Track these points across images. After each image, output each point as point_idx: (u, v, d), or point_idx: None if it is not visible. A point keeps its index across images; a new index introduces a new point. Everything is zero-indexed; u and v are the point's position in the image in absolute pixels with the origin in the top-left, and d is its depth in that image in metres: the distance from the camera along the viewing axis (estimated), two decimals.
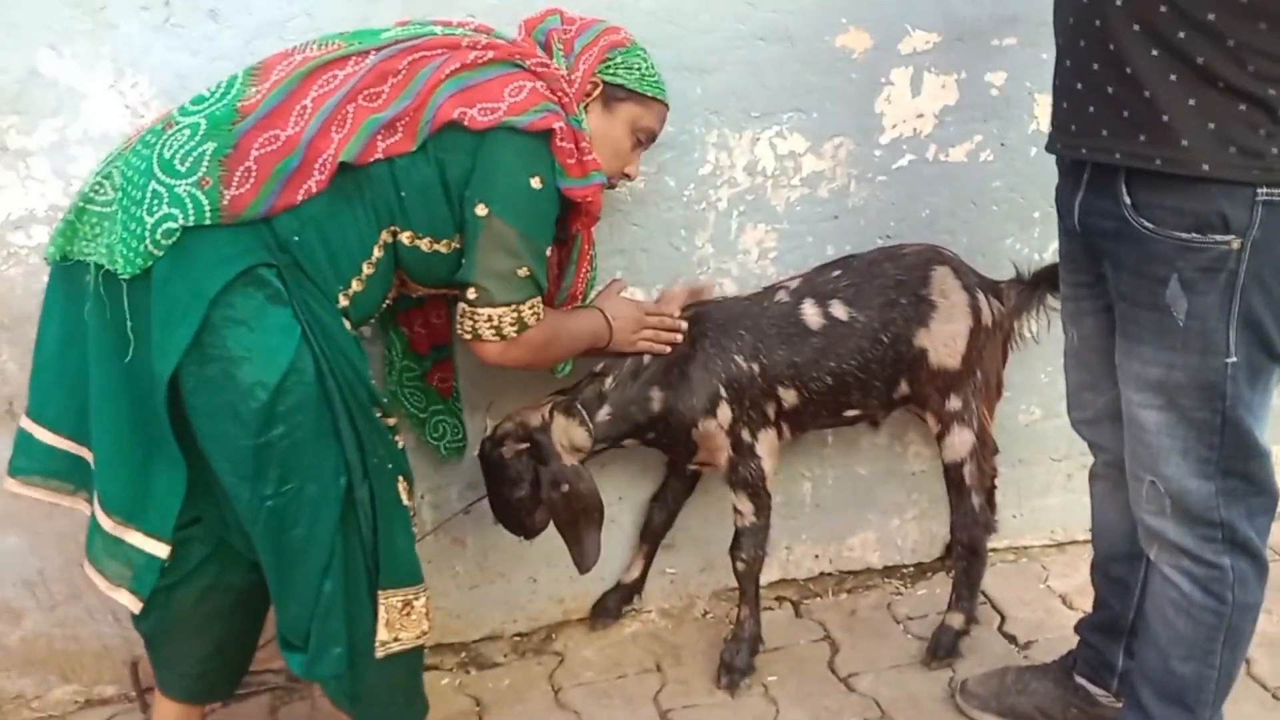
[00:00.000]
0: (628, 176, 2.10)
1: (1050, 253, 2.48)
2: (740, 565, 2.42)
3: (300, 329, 1.69)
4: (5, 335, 2.08)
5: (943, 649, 2.51)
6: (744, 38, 2.32)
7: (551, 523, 2.27)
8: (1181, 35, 1.56)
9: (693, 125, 2.35)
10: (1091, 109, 1.71)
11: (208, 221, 1.64)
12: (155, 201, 1.64)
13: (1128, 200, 1.69)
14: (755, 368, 2.28)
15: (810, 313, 2.31)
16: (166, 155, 1.66)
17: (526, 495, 2.23)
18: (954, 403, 2.40)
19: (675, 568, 2.73)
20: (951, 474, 2.46)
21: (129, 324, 1.66)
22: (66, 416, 1.77)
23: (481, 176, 1.80)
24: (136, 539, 1.74)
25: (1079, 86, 1.72)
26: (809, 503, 2.78)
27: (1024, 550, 2.96)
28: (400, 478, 1.86)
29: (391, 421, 1.87)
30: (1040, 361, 2.70)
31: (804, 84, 2.39)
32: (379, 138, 1.73)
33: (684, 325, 2.27)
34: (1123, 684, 2.13)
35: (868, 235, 2.53)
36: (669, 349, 2.26)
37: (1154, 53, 1.59)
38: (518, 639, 2.64)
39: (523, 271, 1.85)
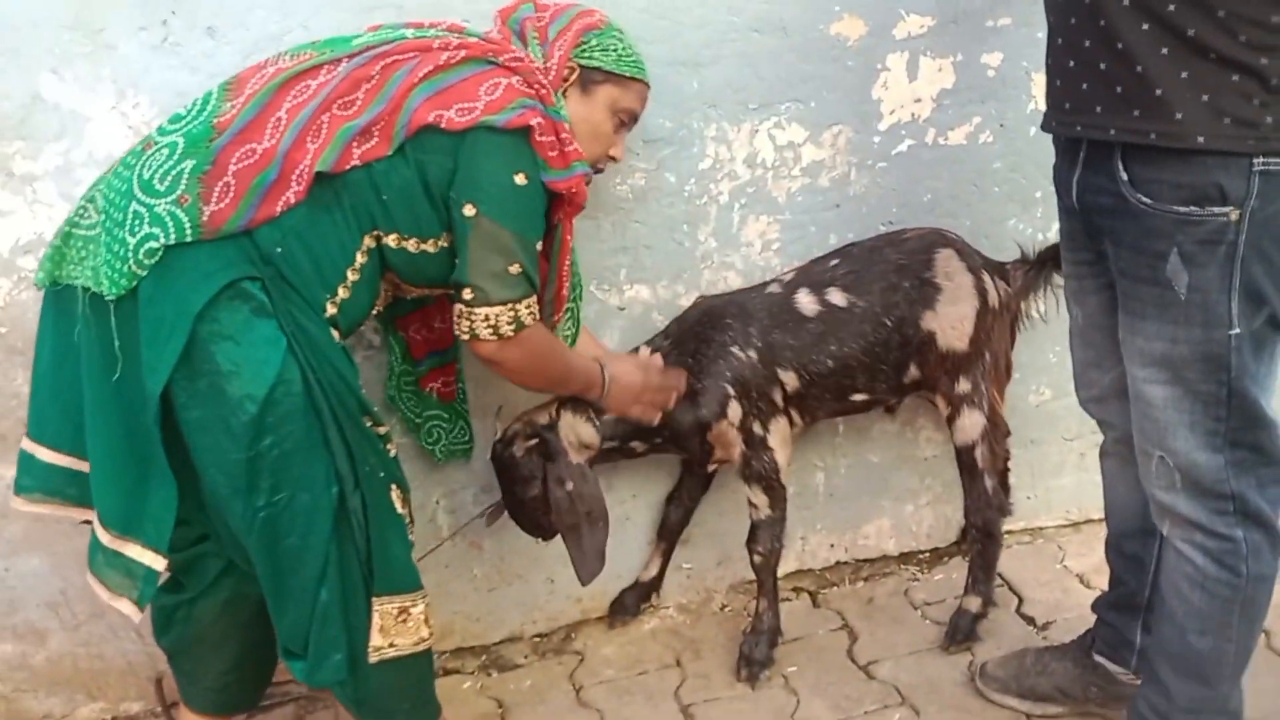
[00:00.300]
0: (613, 159, 2.09)
1: (1054, 232, 2.47)
2: (757, 558, 2.42)
3: (285, 341, 1.71)
4: (19, 359, 2.10)
5: (961, 633, 2.52)
6: (738, 30, 2.32)
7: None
8: (1171, 8, 1.56)
9: (691, 120, 2.36)
10: (1085, 86, 1.71)
11: (189, 239, 1.66)
12: (137, 222, 1.66)
13: (1124, 176, 1.69)
14: (753, 354, 2.29)
15: (805, 301, 2.33)
16: (146, 175, 1.68)
17: (539, 494, 2.24)
18: (963, 385, 2.40)
19: (692, 562, 2.74)
20: (963, 457, 2.46)
21: (116, 344, 1.68)
22: (64, 434, 1.79)
23: (465, 177, 1.80)
24: (134, 551, 1.76)
25: (1071, 64, 1.72)
26: (823, 492, 2.78)
27: (1039, 531, 2.96)
28: (393, 486, 1.88)
29: (383, 430, 1.88)
30: (1049, 342, 2.70)
31: (800, 74, 2.40)
32: (354, 144, 1.74)
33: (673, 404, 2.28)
34: (1141, 661, 2.12)
35: (870, 222, 2.54)
36: (655, 422, 2.28)
37: (1145, 26, 1.59)
38: (537, 640, 2.65)
39: (515, 269, 1.85)
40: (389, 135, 1.76)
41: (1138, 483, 1.91)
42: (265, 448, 1.69)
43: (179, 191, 1.67)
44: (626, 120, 2.05)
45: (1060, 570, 2.80)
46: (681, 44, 2.29)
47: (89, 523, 1.82)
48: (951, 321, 2.35)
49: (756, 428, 2.32)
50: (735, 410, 2.30)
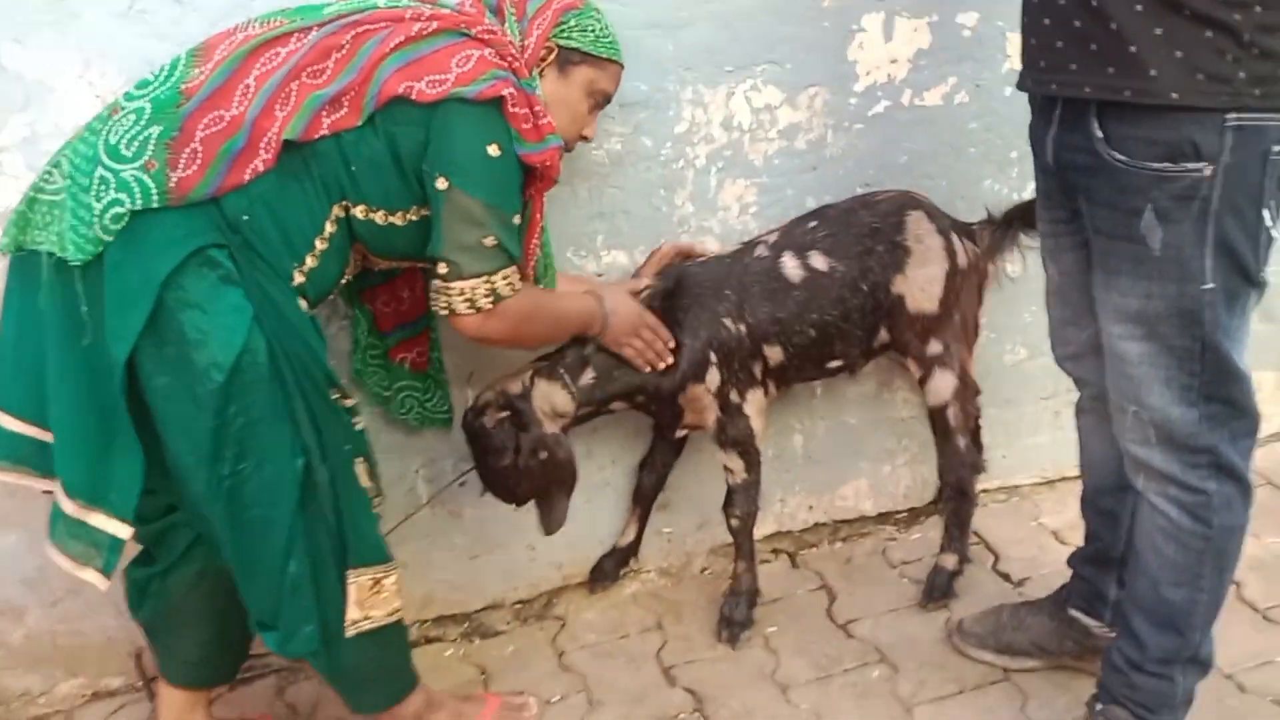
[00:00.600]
0: (585, 138, 2.08)
1: (1029, 191, 2.48)
2: (734, 522, 2.44)
3: (252, 309, 1.69)
4: None
5: (938, 590, 2.55)
6: None
7: None
8: None
9: (666, 83, 2.34)
10: (1059, 44, 1.71)
11: (155, 204, 1.64)
12: (103, 187, 1.64)
13: (1099, 134, 1.70)
14: (743, 328, 2.29)
15: (791, 265, 2.32)
16: (112, 141, 1.66)
17: (511, 463, 2.23)
18: (934, 346, 2.41)
19: (672, 526, 2.75)
20: (936, 418, 2.48)
21: (84, 309, 1.67)
22: (28, 402, 1.76)
23: (437, 149, 1.78)
24: (99, 520, 1.74)
25: (1046, 22, 1.72)
26: (800, 454, 2.80)
27: (1015, 489, 2.99)
28: (359, 459, 1.87)
29: (349, 403, 1.87)
30: (1025, 301, 2.71)
31: (776, 35, 2.38)
32: (324, 114, 1.72)
33: (669, 359, 2.26)
34: (1116, 614, 2.15)
35: (847, 184, 2.53)
36: (648, 369, 2.25)
37: None
38: (519, 606, 2.66)
39: (489, 241, 1.83)
40: (359, 106, 1.74)
41: (1113, 439, 1.94)
42: (230, 416, 1.69)
43: (146, 157, 1.65)
44: (600, 101, 2.05)
45: (1036, 527, 2.84)
46: (657, 6, 2.27)
47: (50, 492, 1.80)
48: (921, 284, 2.36)
49: (734, 395, 2.33)
50: (714, 376, 2.30)
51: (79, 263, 1.64)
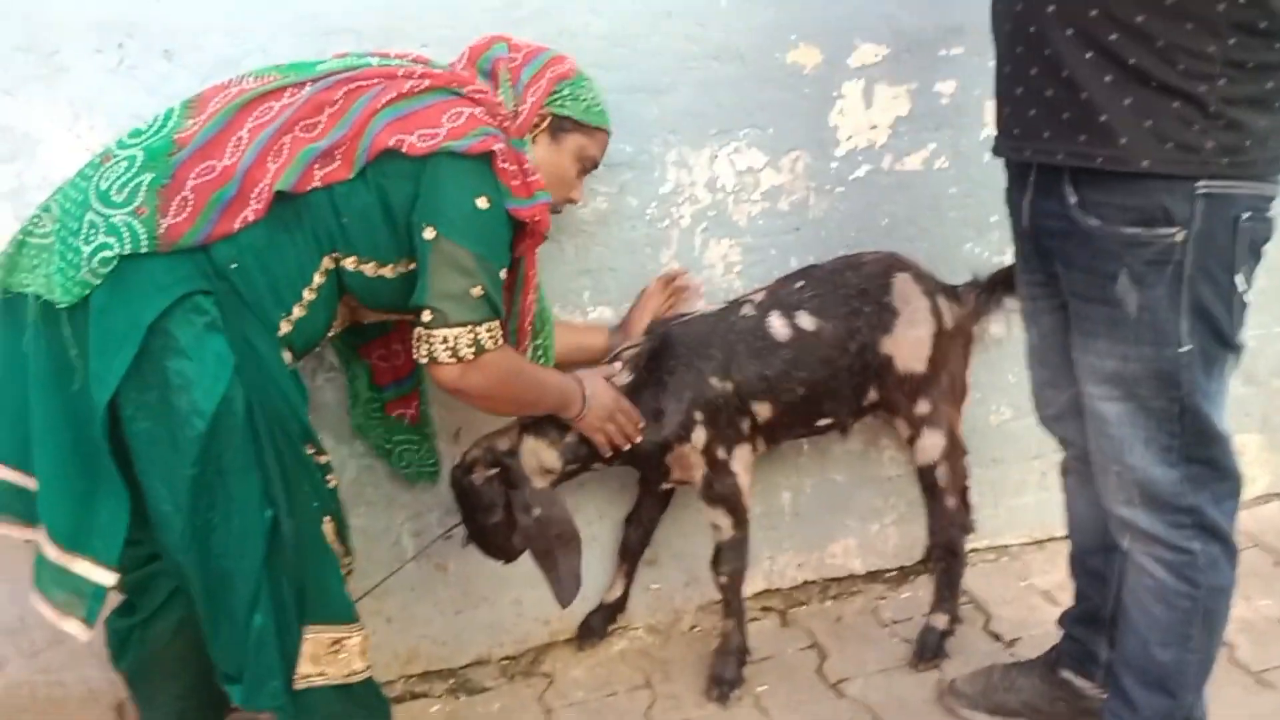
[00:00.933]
0: (571, 201, 2.12)
1: (1009, 255, 2.49)
2: (722, 579, 2.43)
3: (234, 359, 1.70)
4: None
5: (929, 650, 2.53)
6: (696, 58, 2.35)
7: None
8: (1113, 37, 1.61)
9: (651, 145, 2.38)
10: (1033, 112, 1.75)
11: (144, 250, 1.66)
12: (92, 231, 1.66)
13: (1073, 199, 1.73)
14: (729, 386, 2.29)
15: (777, 325, 2.33)
16: (103, 187, 1.68)
17: (500, 520, 2.22)
18: (923, 406, 2.42)
19: (659, 583, 2.74)
20: (925, 477, 2.48)
21: (72, 352, 1.68)
22: (10, 447, 1.77)
23: (426, 201, 1.80)
24: (83, 567, 1.74)
25: (1019, 91, 1.76)
26: (788, 512, 2.79)
27: (1004, 549, 2.98)
28: (327, 517, 1.87)
29: (324, 459, 1.87)
30: (1008, 362, 2.72)
31: (758, 100, 2.42)
32: (316, 166, 1.74)
33: (638, 439, 2.25)
34: (1107, 675, 2.14)
35: (830, 246, 2.56)
36: (609, 451, 2.24)
37: (1088, 55, 1.64)
38: (506, 662, 2.64)
39: (476, 291, 1.83)
40: (351, 158, 1.77)
41: (1098, 499, 1.94)
42: (207, 465, 1.69)
43: (136, 203, 1.66)
44: (588, 166, 2.09)
45: (1025, 587, 2.82)
46: (640, 71, 2.31)
47: (31, 541, 1.79)
48: (909, 345, 2.38)
49: (720, 452, 2.33)
50: (701, 435, 2.30)
51: (65, 305, 1.65)
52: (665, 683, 2.54)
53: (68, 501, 1.72)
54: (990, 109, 2.51)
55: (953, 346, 2.45)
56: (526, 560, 2.31)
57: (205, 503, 1.71)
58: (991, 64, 1.86)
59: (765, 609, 2.79)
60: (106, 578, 1.75)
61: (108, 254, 1.64)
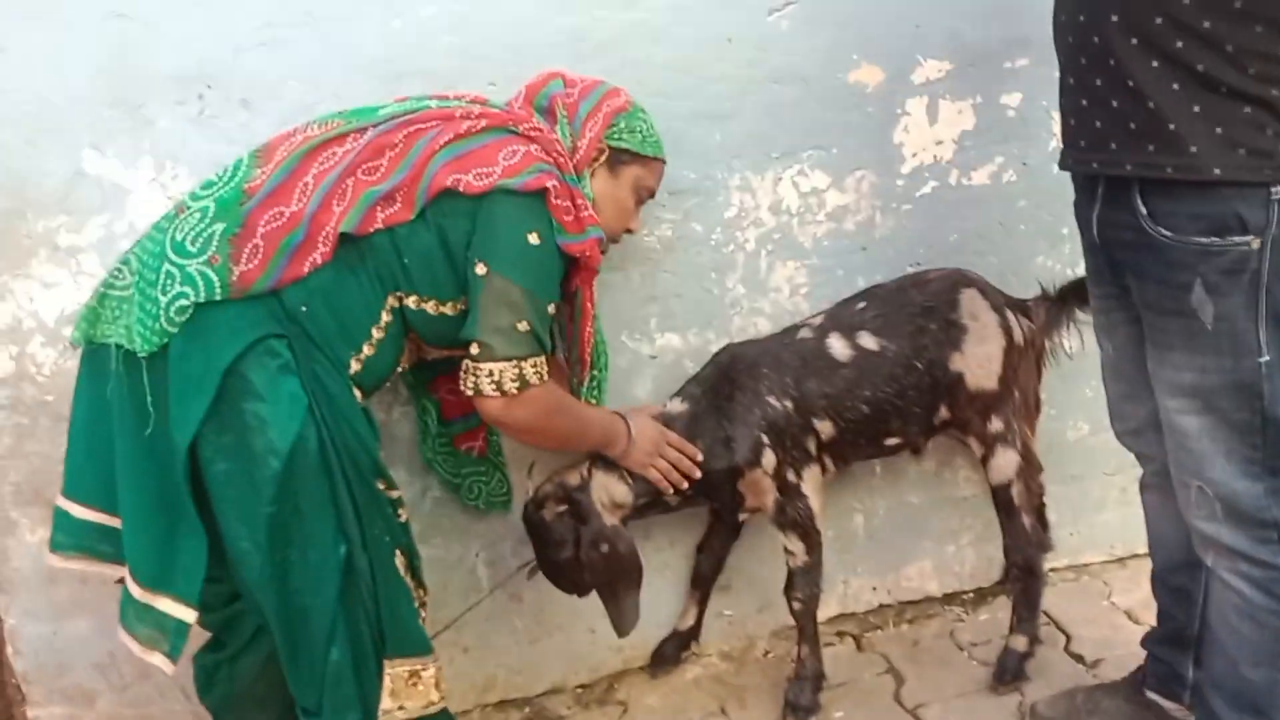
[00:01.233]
0: (630, 231, 2.15)
1: (1082, 267, 2.47)
2: (797, 605, 2.41)
3: (307, 399, 1.74)
4: (66, 426, 2.15)
5: (1009, 673, 2.49)
6: (758, 82, 2.37)
7: None
8: (1180, 44, 1.59)
9: (715, 171, 2.40)
10: (1099, 124, 1.73)
11: (218, 297, 1.71)
12: (169, 281, 1.71)
13: (1144, 210, 1.71)
14: (788, 404, 2.29)
15: (837, 345, 2.33)
16: (178, 238, 1.74)
17: (571, 555, 2.23)
18: (995, 424, 2.40)
19: (732, 609, 2.73)
20: (1000, 496, 2.45)
21: (149, 399, 1.73)
22: (98, 491, 1.83)
23: (481, 238, 1.84)
24: (166, 605, 1.78)
25: (1084, 103, 1.75)
26: (862, 535, 2.77)
27: (1084, 568, 2.93)
28: (398, 551, 1.89)
29: (395, 495, 1.90)
30: (1085, 377, 2.68)
31: (821, 122, 2.43)
32: (378, 209, 1.79)
33: (696, 474, 2.26)
34: (1195, 696, 2.09)
35: (897, 264, 2.55)
36: (671, 490, 2.25)
37: (1154, 64, 1.62)
38: (580, 691, 2.64)
39: (523, 326, 1.87)
40: (411, 200, 1.81)
41: (1179, 515, 1.90)
42: (284, 503, 1.73)
43: (210, 252, 1.72)
44: (645, 196, 2.13)
45: (1107, 606, 2.77)
46: (703, 97, 2.33)
47: (123, 581, 1.85)
48: (979, 361, 2.36)
49: (790, 475, 2.32)
50: (770, 458, 2.29)
51: (145, 354, 1.71)
52: (740, 710, 2.52)
53: (150, 542, 1.78)
54: (1057, 120, 2.49)
55: (1024, 362, 2.42)
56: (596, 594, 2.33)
57: (282, 540, 1.75)
58: (1057, 74, 1.85)
59: (840, 634, 2.77)
60: (188, 615, 1.79)
61: (184, 303, 1.70)
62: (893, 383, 2.33)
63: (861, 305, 2.39)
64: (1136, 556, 2.88)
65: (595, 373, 2.22)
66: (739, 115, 2.37)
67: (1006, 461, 2.41)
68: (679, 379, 2.45)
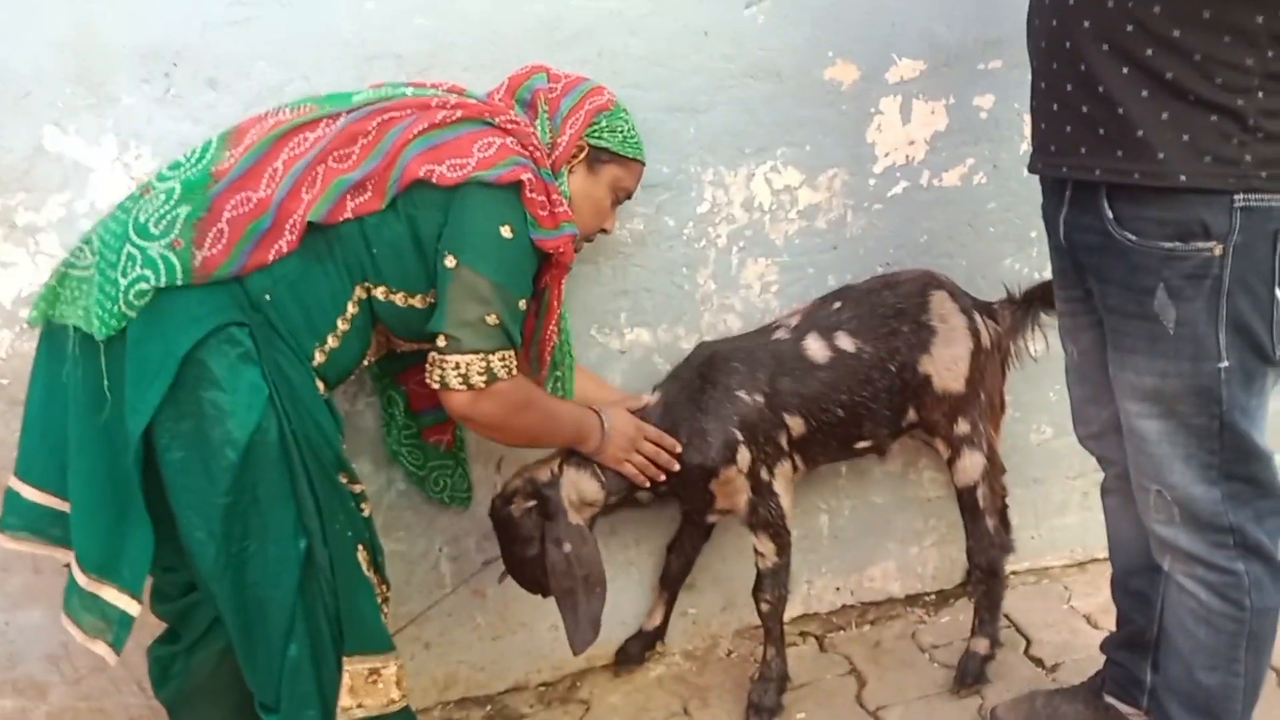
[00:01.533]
0: (604, 231, 2.14)
1: (1049, 270, 2.49)
2: (765, 606, 2.40)
3: (268, 389, 1.72)
4: (21, 410, 2.10)
5: (970, 676, 2.49)
6: (734, 76, 2.35)
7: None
8: (1149, 52, 1.60)
9: (688, 165, 2.39)
10: (1069, 128, 1.74)
11: (179, 282, 1.68)
12: (129, 264, 1.68)
13: (1110, 214, 1.72)
14: (759, 398, 2.28)
15: (815, 347, 2.32)
16: (141, 219, 1.71)
17: (538, 553, 2.20)
18: (962, 426, 2.40)
19: (696, 608, 2.72)
20: (965, 498, 2.46)
21: (105, 383, 1.70)
22: (50, 474, 1.79)
23: (452, 230, 1.82)
24: (110, 594, 1.75)
25: (1055, 107, 1.76)
26: (827, 535, 2.77)
27: (1045, 571, 2.95)
28: (360, 546, 1.87)
29: (358, 489, 1.88)
30: (1049, 380, 2.70)
31: (795, 118, 2.43)
32: (348, 197, 1.76)
33: (674, 466, 2.24)
34: (1152, 700, 2.10)
35: (867, 264, 2.55)
36: (648, 484, 2.23)
37: (1124, 70, 1.63)
38: (543, 688, 2.63)
39: (492, 319, 1.84)
40: (382, 190, 1.79)
41: (1140, 519, 1.91)
42: (241, 494, 1.70)
43: (173, 235, 1.69)
44: (622, 197, 2.11)
45: (1067, 610, 2.78)
46: (678, 90, 2.32)
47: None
48: (947, 364, 2.36)
49: (763, 473, 2.31)
50: (744, 456, 2.28)
51: (103, 337, 1.68)
52: (702, 709, 2.52)
53: (98, 529, 1.74)
54: (1028, 123, 2.51)
55: (990, 364, 2.43)
56: None
57: (239, 531, 1.72)
58: (1029, 77, 1.86)
59: (803, 634, 2.77)
60: (131, 606, 1.76)
61: (144, 286, 1.67)
62: (867, 386, 2.33)
63: (837, 305, 2.38)
64: (1096, 561, 2.90)
65: (558, 372, 2.19)
66: (713, 109, 2.36)
67: (972, 464, 2.42)
68: (648, 374, 2.44)
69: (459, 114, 1.85)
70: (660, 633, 2.65)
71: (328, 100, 1.86)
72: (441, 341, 1.85)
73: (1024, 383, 2.65)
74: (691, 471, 2.27)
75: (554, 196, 1.90)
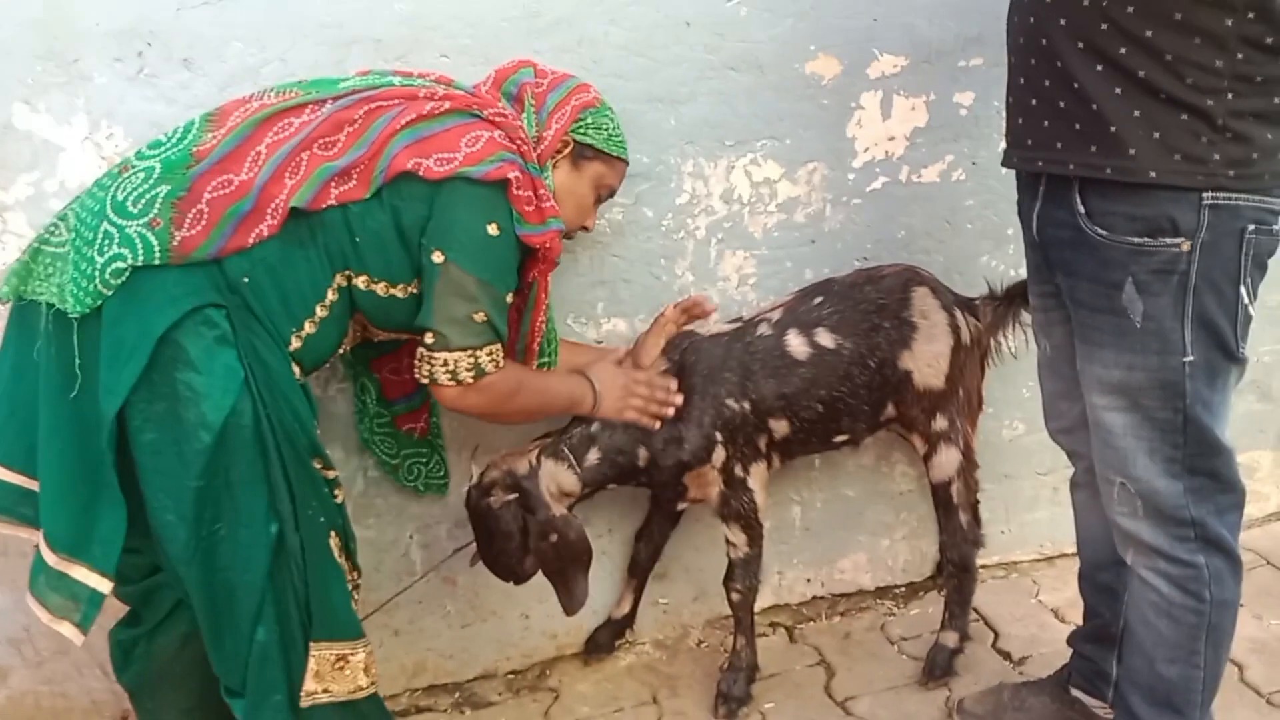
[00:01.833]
0: (585, 229, 2.13)
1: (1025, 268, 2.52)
2: (735, 596, 2.41)
3: (244, 373, 1.70)
4: None
5: (938, 668, 2.51)
6: (715, 68, 2.35)
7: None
8: (1122, 51, 1.63)
9: (668, 156, 2.38)
10: (1045, 123, 1.76)
11: (157, 262, 1.66)
12: (106, 242, 1.66)
13: (1082, 209, 1.74)
14: (746, 405, 2.28)
15: (796, 343, 2.31)
16: (120, 197, 1.69)
17: (517, 544, 2.20)
18: (940, 422, 2.41)
19: (668, 597, 2.73)
20: (940, 493, 2.47)
21: (77, 362, 1.68)
22: (17, 452, 1.77)
23: (438, 225, 1.81)
24: (80, 573, 1.74)
25: (1033, 102, 1.78)
26: (798, 526, 2.78)
27: (1014, 565, 2.97)
28: (333, 532, 1.86)
29: (332, 475, 1.87)
30: (1022, 376, 2.72)
31: (776, 111, 2.43)
32: (332, 184, 1.75)
33: (677, 399, 2.24)
34: (1117, 692, 2.12)
35: (845, 258, 2.56)
36: (658, 424, 2.23)
37: (1098, 68, 1.66)
38: (512, 677, 2.63)
39: (479, 316, 1.85)
40: (367, 179, 1.77)
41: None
42: (213, 477, 1.69)
43: (151, 215, 1.67)
44: (605, 195, 2.11)
45: (1035, 605, 2.80)
46: (659, 81, 2.31)
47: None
48: (928, 360, 2.37)
49: (737, 469, 2.31)
50: (720, 454, 2.29)
51: (77, 315, 1.65)
52: (672, 698, 2.52)
53: (68, 508, 1.73)
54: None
55: (969, 361, 2.44)
56: (534, 575, 2.30)
57: (210, 514, 1.71)
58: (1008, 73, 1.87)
59: (773, 624, 2.78)
60: (103, 585, 1.75)
61: (120, 265, 1.65)
62: (847, 381, 2.33)
63: (818, 300, 2.37)
64: (1065, 556, 2.93)
65: (544, 359, 2.19)
66: (694, 101, 2.36)
67: (949, 459, 2.43)
68: None
69: (447, 105, 1.84)
70: (629, 620, 2.66)
71: (313, 85, 1.85)
72: (429, 338, 1.86)
73: (997, 379, 2.66)
74: (665, 466, 2.28)
75: (540, 192, 1.90)
